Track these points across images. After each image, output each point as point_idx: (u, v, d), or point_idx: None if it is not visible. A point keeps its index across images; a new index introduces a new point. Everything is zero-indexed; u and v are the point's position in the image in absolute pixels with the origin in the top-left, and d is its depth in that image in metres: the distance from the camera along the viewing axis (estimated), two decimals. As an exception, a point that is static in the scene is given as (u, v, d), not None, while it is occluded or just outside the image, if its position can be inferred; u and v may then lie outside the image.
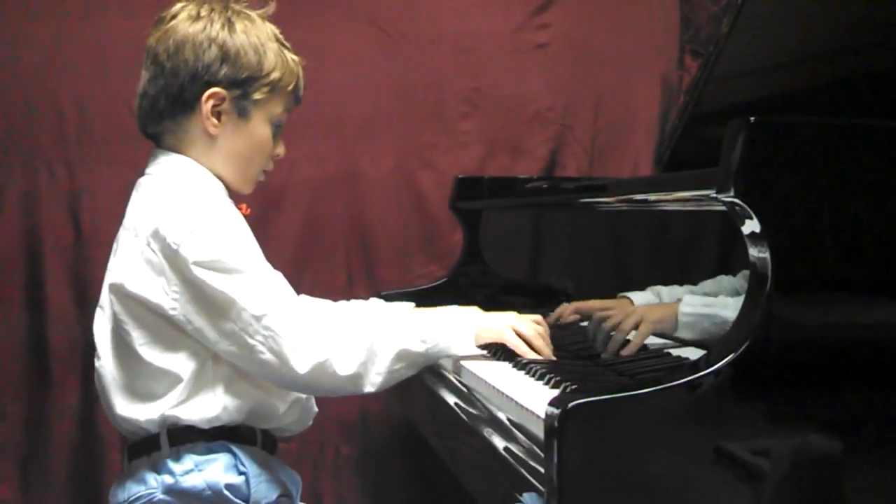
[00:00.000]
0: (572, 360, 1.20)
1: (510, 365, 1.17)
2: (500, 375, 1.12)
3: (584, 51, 1.93)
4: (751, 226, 0.83)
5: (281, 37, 1.19)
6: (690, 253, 1.17)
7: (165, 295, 1.08)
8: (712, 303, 1.03)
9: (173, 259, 1.07)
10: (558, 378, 1.04)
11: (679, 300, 1.11)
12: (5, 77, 1.72)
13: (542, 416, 0.81)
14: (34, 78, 1.72)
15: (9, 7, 1.72)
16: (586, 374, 1.11)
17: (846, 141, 0.85)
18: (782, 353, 0.82)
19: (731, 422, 0.82)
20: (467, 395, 1.15)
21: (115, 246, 1.17)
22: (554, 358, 1.18)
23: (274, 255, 1.77)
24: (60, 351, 1.73)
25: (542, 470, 0.83)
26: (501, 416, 1.02)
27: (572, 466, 0.77)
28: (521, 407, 0.97)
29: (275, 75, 1.16)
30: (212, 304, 1.07)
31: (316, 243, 1.83)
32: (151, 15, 1.18)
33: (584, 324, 1.30)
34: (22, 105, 1.72)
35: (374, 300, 1.36)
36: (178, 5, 1.16)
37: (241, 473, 1.12)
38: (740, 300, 0.84)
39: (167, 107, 1.14)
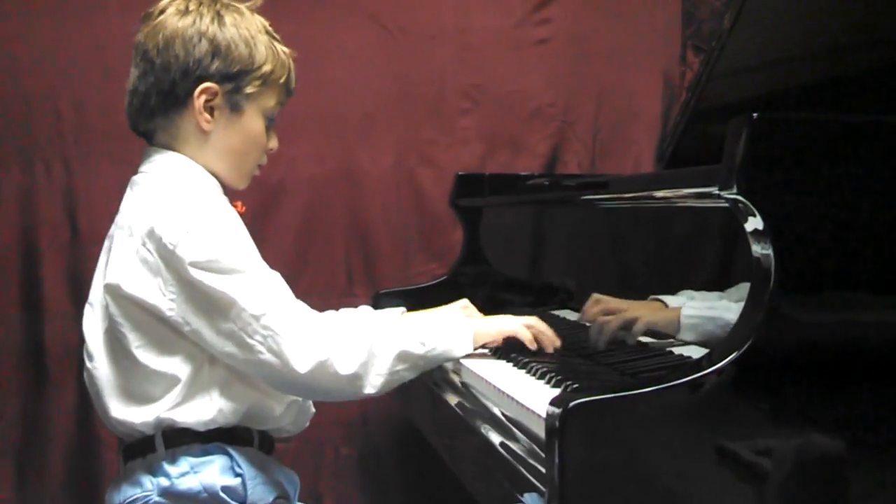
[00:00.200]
0: (574, 358, 1.19)
1: (511, 364, 1.17)
2: (500, 374, 1.12)
3: (586, 46, 1.92)
4: (754, 223, 0.83)
5: (270, 29, 1.18)
6: (693, 251, 1.16)
7: (162, 296, 1.07)
8: (715, 306, 1.03)
9: (169, 259, 1.06)
10: (559, 377, 1.04)
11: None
12: (3, 75, 1.71)
13: (544, 415, 0.81)
14: (32, 75, 1.72)
15: (7, 5, 1.72)
16: (588, 372, 1.11)
17: (850, 137, 0.85)
18: (785, 351, 0.82)
19: (734, 421, 0.81)
20: (468, 394, 1.14)
21: (107, 243, 1.16)
22: (559, 343, 1.18)
23: (273, 253, 1.76)
24: (57, 349, 1.73)
25: (543, 470, 0.83)
26: (502, 415, 1.01)
27: (574, 466, 0.77)
28: (522, 406, 0.96)
29: (266, 68, 1.15)
30: (210, 305, 1.06)
31: (315, 241, 1.82)
32: (149, 13, 1.18)
33: (588, 323, 1.29)
34: (19, 102, 1.72)
35: (363, 308, 1.35)
36: (166, 0, 1.15)
37: (237, 475, 1.11)
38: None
39: (159, 103, 1.13)
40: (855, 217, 0.84)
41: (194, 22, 1.12)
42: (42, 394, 1.74)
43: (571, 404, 0.77)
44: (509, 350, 1.20)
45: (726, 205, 0.85)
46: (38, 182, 1.73)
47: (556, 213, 1.55)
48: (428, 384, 1.24)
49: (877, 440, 0.84)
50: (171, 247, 1.06)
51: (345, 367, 1.08)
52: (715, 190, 0.85)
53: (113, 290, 1.09)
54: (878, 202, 0.85)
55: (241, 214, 1.15)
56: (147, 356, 1.09)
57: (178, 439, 1.10)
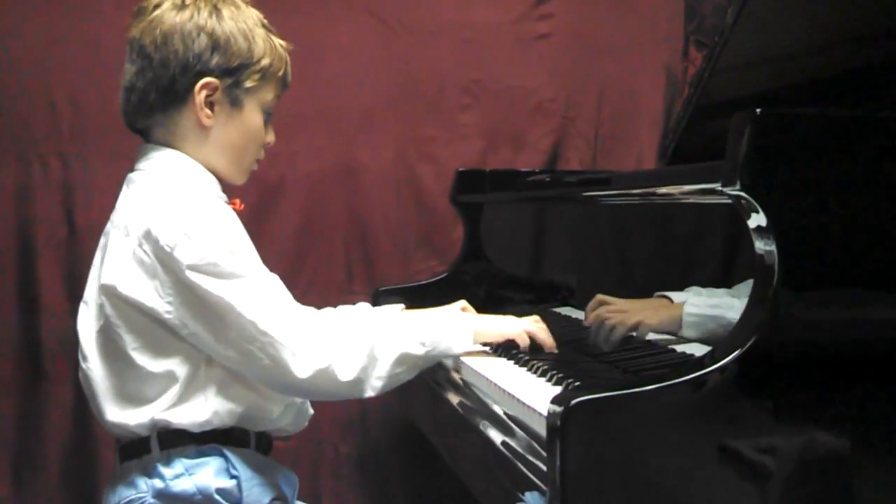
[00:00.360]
0: (575, 356, 1.19)
1: (511, 361, 1.17)
2: (501, 372, 1.11)
3: (587, 41, 1.91)
4: (757, 220, 0.83)
5: (265, 21, 1.17)
6: (695, 248, 1.16)
7: (160, 298, 1.06)
8: (718, 304, 1.02)
9: (167, 262, 1.05)
10: (561, 374, 1.03)
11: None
12: (-1, 70, 1.71)
13: (545, 413, 0.81)
14: (28, 71, 1.71)
15: (3, 1, 1.71)
16: (589, 370, 1.10)
17: (853, 133, 0.85)
18: (789, 349, 0.82)
19: (737, 419, 0.81)
20: (468, 393, 1.14)
21: (103, 240, 1.15)
22: (556, 351, 1.17)
23: (272, 250, 1.75)
24: (54, 347, 1.72)
25: (544, 468, 0.83)
26: (503, 413, 1.01)
27: (575, 465, 0.77)
28: (523, 404, 0.96)
29: (265, 62, 1.14)
30: (208, 309, 1.05)
31: (314, 237, 1.82)
32: (145, 8, 1.17)
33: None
34: (16, 98, 1.71)
35: (361, 304, 1.34)
36: None
37: (232, 477, 1.10)
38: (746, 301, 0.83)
39: (158, 100, 1.11)
40: (859, 213, 0.84)
41: (192, 16, 1.10)
42: (39, 391, 1.73)
43: (573, 402, 0.77)
44: (510, 347, 1.20)
45: (729, 201, 0.85)
46: (35, 178, 1.72)
47: (558, 209, 1.54)
48: (428, 382, 1.23)
49: (881, 438, 0.84)
50: (168, 249, 1.04)
51: (346, 373, 1.07)
52: (718, 186, 0.85)
53: (109, 291, 1.08)
54: (883, 198, 0.84)
55: (239, 212, 1.14)
56: (143, 358, 1.08)
57: (174, 440, 1.09)
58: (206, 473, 1.09)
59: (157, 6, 1.12)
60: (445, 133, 1.87)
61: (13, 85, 1.70)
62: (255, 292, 1.06)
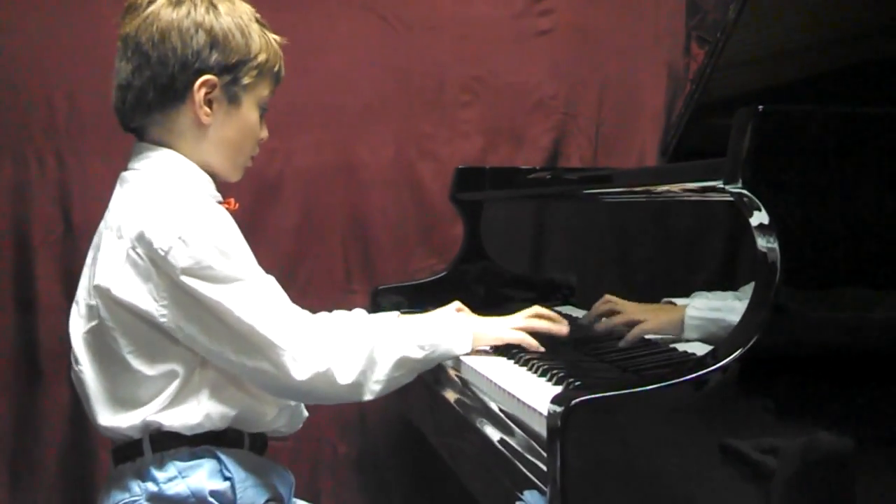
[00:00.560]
0: (575, 355, 1.18)
1: (511, 360, 1.16)
2: (501, 371, 1.11)
3: (588, 37, 1.90)
4: (759, 217, 0.82)
5: (258, 16, 1.16)
6: (697, 245, 1.15)
7: (154, 302, 1.05)
8: (720, 307, 1.02)
9: (161, 265, 1.04)
10: (561, 374, 1.03)
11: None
12: (-5, 67, 1.70)
13: (545, 413, 0.80)
14: (24, 68, 1.70)
15: (-1, -2, 1.70)
16: (590, 369, 1.10)
17: (857, 130, 0.84)
18: (791, 348, 0.81)
19: (739, 419, 0.81)
20: (467, 392, 1.14)
21: (96, 239, 1.14)
22: (565, 331, 1.17)
23: (270, 247, 1.74)
24: (51, 346, 1.71)
25: (544, 468, 0.82)
26: (503, 413, 1.01)
27: (576, 465, 0.77)
28: (523, 403, 0.96)
29: (262, 57, 1.13)
30: (204, 313, 1.04)
31: (313, 235, 1.81)
32: (144, 4, 1.15)
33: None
34: (11, 95, 1.70)
35: (357, 311, 1.33)
36: None
37: (226, 479, 1.10)
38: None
39: (156, 99, 1.10)
40: (862, 211, 0.83)
41: (189, 12, 1.09)
42: (35, 391, 1.73)
43: (573, 402, 0.77)
44: (510, 346, 1.19)
45: (731, 199, 0.84)
46: (31, 176, 1.72)
47: (558, 207, 1.54)
48: (428, 382, 1.23)
49: (883, 438, 0.84)
50: (162, 252, 1.03)
51: (344, 377, 1.07)
52: (719, 184, 0.84)
53: (103, 293, 1.07)
54: (886, 196, 0.84)
55: (234, 211, 1.13)
56: (138, 361, 1.07)
57: (166, 443, 1.08)
58: (200, 476, 1.08)
59: (150, 2, 1.10)
60: (445, 130, 1.86)
61: (9, 81, 1.70)
62: (252, 295, 1.05)
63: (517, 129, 1.89)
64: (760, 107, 0.80)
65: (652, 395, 0.78)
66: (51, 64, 1.70)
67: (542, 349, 1.17)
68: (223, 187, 1.18)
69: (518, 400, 0.97)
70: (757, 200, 0.81)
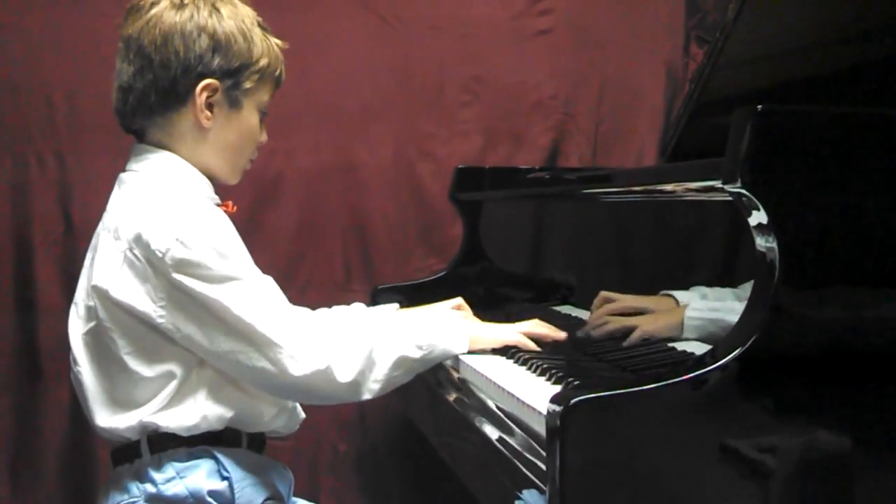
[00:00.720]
0: (574, 355, 1.18)
1: (511, 360, 1.16)
2: (500, 371, 1.11)
3: (587, 37, 1.90)
4: (758, 217, 0.82)
5: (261, 20, 1.16)
6: (696, 245, 1.15)
7: (152, 303, 1.05)
8: (719, 307, 1.02)
9: (158, 266, 1.03)
10: (560, 373, 1.03)
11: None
12: (-5, 66, 1.70)
13: (544, 412, 0.80)
14: (24, 66, 1.70)
15: (-2, -3, 1.70)
16: (589, 369, 1.10)
17: (855, 130, 0.84)
18: (790, 347, 0.81)
19: (738, 418, 0.81)
20: (467, 391, 1.14)
21: (94, 240, 1.14)
22: (563, 336, 1.17)
23: (270, 247, 1.74)
24: (51, 346, 1.71)
25: (544, 468, 0.82)
26: (502, 412, 1.01)
27: (575, 464, 0.77)
28: (523, 403, 0.96)
29: (263, 62, 1.13)
30: (202, 314, 1.04)
31: (312, 235, 1.81)
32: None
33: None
34: (11, 94, 1.70)
35: (356, 305, 1.33)
36: None
37: (224, 479, 1.10)
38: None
39: (158, 101, 1.10)
40: (860, 211, 0.83)
41: (192, 16, 1.09)
42: (36, 391, 1.73)
43: (573, 401, 0.77)
44: (508, 346, 1.19)
45: (730, 198, 0.84)
46: (31, 175, 1.71)
47: (558, 207, 1.54)
48: (427, 381, 1.23)
49: (882, 437, 0.84)
50: (159, 254, 1.03)
51: (343, 376, 1.07)
52: (718, 183, 0.84)
53: (102, 295, 1.07)
54: (885, 196, 0.84)
55: (232, 213, 1.13)
56: (136, 362, 1.07)
57: (164, 444, 1.08)
58: (198, 476, 1.08)
59: (153, 4, 1.10)
60: (444, 130, 1.86)
61: (9, 80, 1.70)
62: (251, 295, 1.05)
63: (516, 128, 1.89)
64: (759, 106, 0.80)
65: (651, 394, 0.78)
66: (51, 64, 1.70)
67: (539, 350, 1.17)
68: (222, 190, 1.18)
69: (517, 399, 0.97)
70: (755, 200, 0.81)
